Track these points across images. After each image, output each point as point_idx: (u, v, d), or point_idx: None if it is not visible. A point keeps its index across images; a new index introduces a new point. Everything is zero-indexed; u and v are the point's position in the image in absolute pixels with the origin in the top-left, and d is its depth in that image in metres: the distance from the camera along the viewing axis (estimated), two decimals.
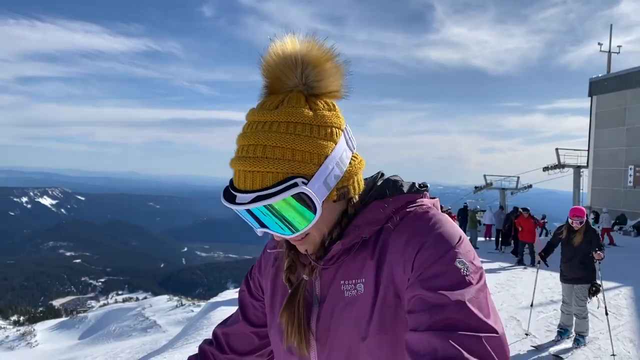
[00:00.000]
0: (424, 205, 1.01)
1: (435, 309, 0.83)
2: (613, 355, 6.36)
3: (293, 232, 0.92)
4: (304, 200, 0.89)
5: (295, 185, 0.88)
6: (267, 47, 0.94)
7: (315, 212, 0.91)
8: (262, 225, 0.93)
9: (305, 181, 0.89)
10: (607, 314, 6.91)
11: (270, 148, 0.89)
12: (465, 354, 0.76)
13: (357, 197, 1.02)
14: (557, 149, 31.69)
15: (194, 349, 6.72)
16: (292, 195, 0.88)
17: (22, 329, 52.02)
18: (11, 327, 58.59)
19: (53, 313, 71.84)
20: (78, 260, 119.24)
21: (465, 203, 22.66)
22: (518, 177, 33.56)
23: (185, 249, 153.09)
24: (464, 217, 19.56)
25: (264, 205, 0.88)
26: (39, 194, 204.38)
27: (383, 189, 1.03)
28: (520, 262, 14.57)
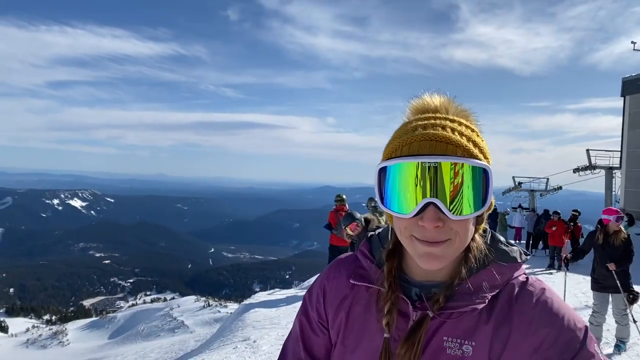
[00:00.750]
0: (532, 277, 1.04)
1: None
2: None
3: (457, 213, 0.91)
4: (483, 184, 0.93)
5: (486, 166, 0.93)
6: None
7: (485, 202, 0.93)
8: (432, 194, 0.90)
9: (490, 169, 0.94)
10: (635, 321, 6.73)
11: (467, 133, 0.96)
12: None
13: (480, 232, 1.04)
14: (587, 150, 31.03)
15: (229, 351, 6.72)
16: (480, 168, 0.92)
17: (54, 328, 53.18)
18: (44, 326, 59.96)
19: (83, 313, 73.25)
20: (107, 261, 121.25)
21: (495, 206, 22.43)
22: (547, 179, 32.98)
23: (212, 250, 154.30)
24: (494, 219, 19.36)
25: (461, 164, 0.90)
26: (69, 196, 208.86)
27: (495, 251, 1.04)
28: (551, 266, 14.42)
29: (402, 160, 0.92)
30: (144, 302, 77.30)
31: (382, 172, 0.96)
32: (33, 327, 59.79)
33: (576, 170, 31.78)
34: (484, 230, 1.07)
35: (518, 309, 0.97)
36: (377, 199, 0.97)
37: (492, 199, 0.96)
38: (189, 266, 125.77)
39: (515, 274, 1.02)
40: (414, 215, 0.92)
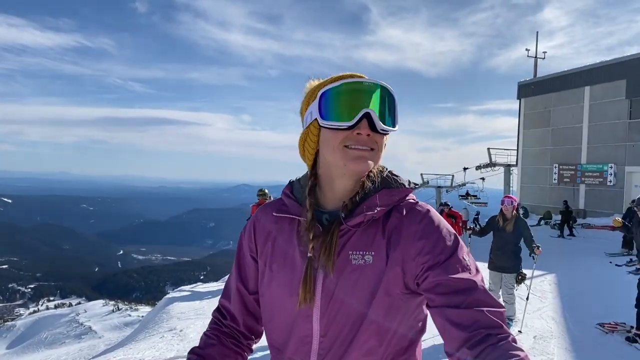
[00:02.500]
0: (421, 202, 1.30)
1: (467, 292, 1.09)
2: (520, 331, 7.28)
3: (386, 123, 1.19)
4: (395, 109, 1.24)
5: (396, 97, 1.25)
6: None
7: (395, 124, 1.23)
8: (368, 105, 1.17)
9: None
10: (527, 298, 7.75)
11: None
12: (499, 322, 1.05)
13: (378, 165, 1.29)
14: (488, 149, 33.21)
15: (157, 340, 6.80)
16: (395, 98, 1.23)
17: None
18: None
19: None
20: (4, 266, 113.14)
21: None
22: (452, 176, 34.85)
23: (121, 252, 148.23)
24: None
25: (389, 91, 1.22)
26: None
27: (389, 178, 1.30)
28: None
29: (343, 81, 1.20)
30: (47, 309, 72.93)
31: (322, 97, 1.21)
32: None
33: (478, 167, 33.87)
34: (382, 168, 1.33)
35: (407, 223, 1.21)
36: (318, 117, 1.22)
37: (397, 127, 1.26)
38: (96, 269, 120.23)
39: (406, 196, 1.28)
40: (354, 125, 1.17)
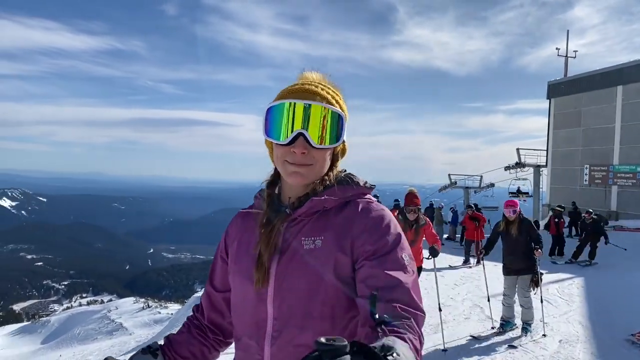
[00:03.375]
0: (375, 200, 1.41)
1: (391, 289, 1.16)
2: (544, 335, 7.18)
3: (319, 143, 1.29)
4: (339, 126, 1.32)
5: (342, 113, 1.33)
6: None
7: (339, 139, 1.33)
8: (302, 127, 1.27)
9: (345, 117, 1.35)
10: (542, 301, 7.53)
11: (331, 93, 1.36)
12: (408, 316, 1.11)
13: (336, 168, 1.43)
14: (518, 149, 32.68)
15: None
16: (338, 115, 1.32)
17: None
18: None
19: (13, 317, 70.01)
20: (40, 263, 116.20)
21: (431, 201, 23.27)
22: (481, 176, 34.46)
23: (151, 251, 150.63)
24: (431, 215, 20.21)
25: (325, 108, 1.30)
26: None
27: (346, 179, 1.41)
28: (465, 262, 14.60)
29: (283, 101, 1.30)
30: (80, 305, 74.65)
31: (268, 112, 1.33)
32: None
33: (507, 168, 33.37)
34: (342, 171, 1.45)
35: (359, 217, 1.32)
36: (263, 132, 1.35)
37: (345, 144, 1.41)
38: (127, 267, 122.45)
39: (362, 193, 1.40)
40: (288, 144, 1.29)
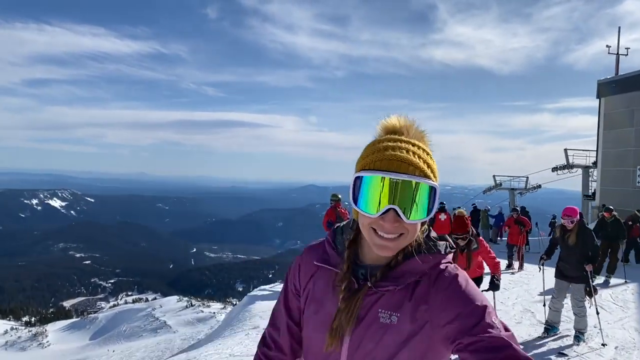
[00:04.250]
0: (454, 265, 1.39)
1: (499, 349, 1.17)
2: (603, 344, 6.86)
3: (409, 218, 1.25)
4: (430, 199, 1.28)
5: (435, 185, 1.28)
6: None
7: (430, 212, 1.29)
8: (393, 202, 1.24)
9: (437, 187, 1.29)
10: (598, 313, 7.21)
11: (423, 157, 1.30)
12: None
13: (421, 233, 1.38)
14: (565, 150, 31.65)
15: (242, 337, 7.34)
16: (430, 186, 1.27)
17: (34, 329, 52.55)
18: (23, 327, 59.12)
19: (64, 314, 72.36)
20: (88, 262, 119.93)
21: (474, 204, 22.81)
22: (527, 178, 33.56)
23: (194, 250, 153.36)
24: (476, 218, 19.77)
25: (416, 183, 1.25)
26: (48, 195, 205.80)
27: (427, 244, 1.39)
28: (508, 267, 14.13)
29: (374, 174, 1.26)
30: (126, 303, 76.66)
31: (357, 179, 1.29)
32: (12, 328, 58.89)
33: (554, 169, 32.37)
34: (424, 230, 1.41)
35: (435, 290, 1.31)
36: (351, 199, 1.30)
37: (434, 212, 1.31)
38: (171, 266, 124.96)
39: (438, 262, 1.36)
40: (378, 216, 1.25)
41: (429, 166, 1.30)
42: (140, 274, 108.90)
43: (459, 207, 19.02)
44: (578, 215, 6.90)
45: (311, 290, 1.48)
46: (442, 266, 1.36)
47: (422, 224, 1.36)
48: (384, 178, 1.25)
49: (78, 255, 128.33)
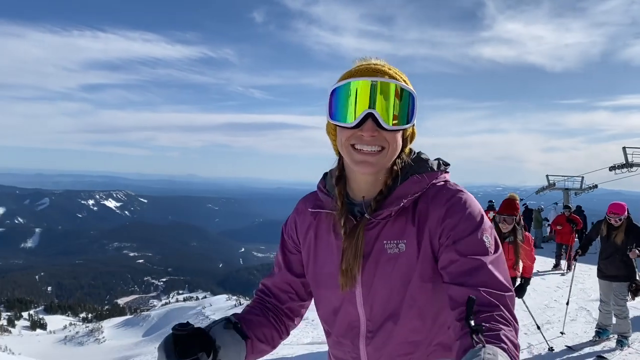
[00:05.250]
0: (451, 182, 1.33)
1: (472, 271, 1.15)
2: None
3: (391, 123, 1.19)
4: (410, 105, 1.22)
5: (413, 92, 1.23)
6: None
7: (410, 120, 1.23)
8: (371, 106, 1.17)
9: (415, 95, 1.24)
10: None
11: (399, 73, 1.26)
12: (496, 302, 1.10)
13: (407, 152, 1.34)
14: (624, 148, 30.22)
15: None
16: (409, 93, 1.22)
17: (91, 325, 54.55)
18: (80, 323, 61.54)
19: (118, 311, 74.68)
20: (141, 261, 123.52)
21: (525, 203, 22.10)
22: (582, 177, 32.28)
23: (243, 250, 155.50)
24: (529, 217, 19.20)
25: (396, 85, 1.19)
26: (104, 196, 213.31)
27: (418, 163, 1.34)
28: (556, 266, 13.67)
29: (350, 80, 1.20)
30: (177, 301, 78.46)
31: (333, 94, 1.23)
32: (70, 324, 61.38)
33: (612, 168, 30.99)
34: (411, 150, 1.37)
35: (433, 207, 1.26)
36: (327, 116, 1.26)
37: (414, 128, 1.31)
38: (220, 265, 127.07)
39: (435, 181, 1.31)
40: (356, 126, 1.19)
41: (405, 82, 1.24)
42: (190, 272, 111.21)
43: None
44: (626, 212, 6.37)
45: (313, 240, 1.44)
46: (440, 184, 1.31)
47: (405, 142, 1.31)
48: (362, 82, 1.19)
49: (132, 254, 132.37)
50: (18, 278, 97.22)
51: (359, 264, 1.30)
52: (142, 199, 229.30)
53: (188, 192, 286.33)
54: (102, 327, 51.07)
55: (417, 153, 1.37)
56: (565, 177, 32.86)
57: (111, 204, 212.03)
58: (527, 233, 5.88)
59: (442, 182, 1.32)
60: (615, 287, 6.36)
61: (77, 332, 52.64)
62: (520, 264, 5.75)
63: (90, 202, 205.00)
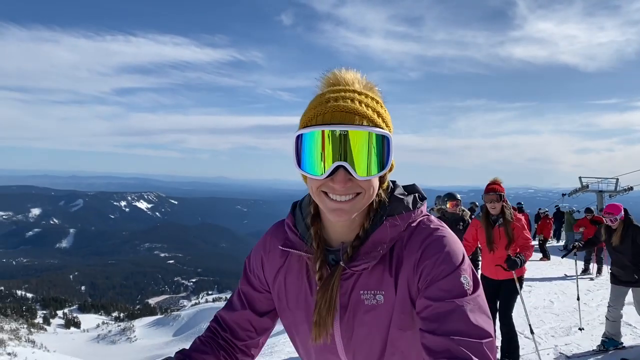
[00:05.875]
0: (427, 219, 1.23)
1: (446, 318, 1.05)
2: None
3: (362, 174, 1.08)
4: (384, 150, 1.10)
5: (388, 135, 1.11)
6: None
7: (386, 165, 1.11)
8: (341, 158, 1.06)
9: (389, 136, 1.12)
10: None
11: (372, 105, 1.12)
12: (472, 356, 0.99)
13: (384, 187, 1.24)
14: None
15: None
16: (383, 136, 1.10)
17: (123, 324, 55.53)
18: (113, 322, 62.63)
19: (149, 311, 75.79)
20: (171, 261, 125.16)
21: (557, 205, 21.68)
22: (617, 179, 31.51)
23: None
24: (559, 219, 18.84)
25: (368, 133, 1.07)
26: (135, 198, 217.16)
27: (393, 205, 1.23)
28: (585, 271, 13.24)
29: (316, 129, 1.07)
30: (206, 302, 79.28)
31: (299, 139, 1.11)
32: (103, 323, 62.54)
33: None
34: (388, 185, 1.26)
35: (408, 251, 1.17)
36: (294, 163, 1.12)
37: (392, 162, 1.14)
38: None
39: (410, 222, 1.21)
40: (326, 177, 1.08)
41: (379, 115, 1.13)
42: (219, 273, 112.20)
43: (545, 211, 18.10)
44: (622, 212, 6.12)
45: (282, 285, 1.33)
46: (413, 224, 1.21)
47: (382, 179, 1.20)
48: (328, 132, 1.07)
49: (162, 254, 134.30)
50: (53, 277, 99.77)
51: (332, 317, 1.21)
52: (172, 201, 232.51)
53: (217, 193, 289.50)
54: (133, 326, 51.99)
55: (392, 188, 1.27)
56: (599, 179, 32.11)
57: (143, 205, 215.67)
58: (518, 214, 5.54)
59: (418, 221, 1.22)
60: (635, 293, 6.02)
61: (109, 331, 53.70)
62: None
63: (123, 203, 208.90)
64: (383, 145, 1.10)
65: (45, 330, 58.24)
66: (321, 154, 1.08)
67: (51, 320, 64.80)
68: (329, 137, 1.07)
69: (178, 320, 48.90)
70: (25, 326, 51.61)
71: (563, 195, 32.75)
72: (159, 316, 58.65)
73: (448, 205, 6.98)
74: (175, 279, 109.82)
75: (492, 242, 5.32)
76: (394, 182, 1.29)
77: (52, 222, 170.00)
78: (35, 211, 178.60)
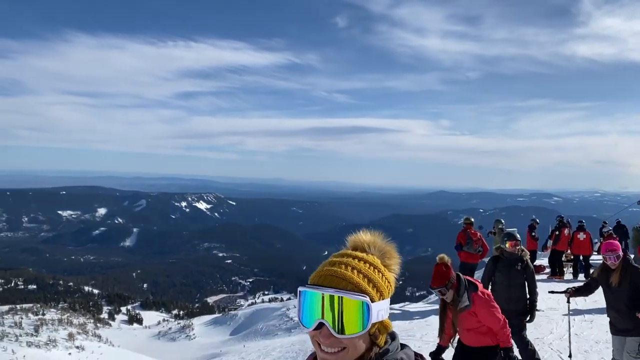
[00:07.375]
0: None
1: None
2: None
3: (340, 333, 1.27)
4: (362, 313, 1.28)
5: (365, 300, 1.29)
6: None
7: (365, 326, 1.28)
8: (322, 316, 1.28)
9: (370, 302, 1.29)
10: None
11: (365, 270, 1.34)
12: None
13: (381, 343, 1.38)
14: None
15: None
16: (361, 302, 1.28)
17: (182, 322, 56.98)
18: (173, 320, 64.57)
19: (207, 309, 77.52)
20: (229, 261, 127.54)
21: (618, 219, 19.98)
22: None
23: (326, 253, 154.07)
24: (623, 235, 16.70)
25: (340, 297, 1.28)
26: (195, 199, 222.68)
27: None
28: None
29: (308, 289, 1.32)
30: (262, 302, 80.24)
31: (300, 294, 1.36)
32: (164, 320, 64.66)
33: None
34: (386, 341, 1.40)
35: None
36: (297, 315, 1.38)
37: (385, 321, 1.37)
38: (304, 268, 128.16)
39: None
40: (313, 330, 1.30)
41: (369, 280, 1.33)
42: (276, 274, 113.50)
43: (609, 230, 16.20)
44: (621, 251, 5.44)
45: None
46: None
47: (376, 338, 1.36)
48: (319, 294, 1.30)
49: (221, 254, 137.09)
50: (117, 275, 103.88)
51: None
52: (230, 202, 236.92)
53: (274, 195, 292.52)
54: (192, 324, 53.18)
55: (386, 350, 1.38)
56: None
57: (202, 205, 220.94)
58: (480, 290, 4.84)
59: None
60: (628, 342, 5.39)
61: (169, 328, 55.25)
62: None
63: (183, 204, 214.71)
64: (362, 309, 1.28)
65: (110, 325, 60.77)
66: (309, 309, 1.31)
67: (116, 316, 67.62)
68: (317, 297, 1.30)
69: (235, 320, 49.57)
70: (92, 321, 53.98)
71: (639, 202, 30.76)
72: (216, 315, 59.71)
73: (507, 245, 6.65)
74: (233, 278, 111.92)
75: (442, 331, 4.91)
76: (393, 339, 1.42)
77: (116, 222, 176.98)
78: (102, 211, 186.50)
